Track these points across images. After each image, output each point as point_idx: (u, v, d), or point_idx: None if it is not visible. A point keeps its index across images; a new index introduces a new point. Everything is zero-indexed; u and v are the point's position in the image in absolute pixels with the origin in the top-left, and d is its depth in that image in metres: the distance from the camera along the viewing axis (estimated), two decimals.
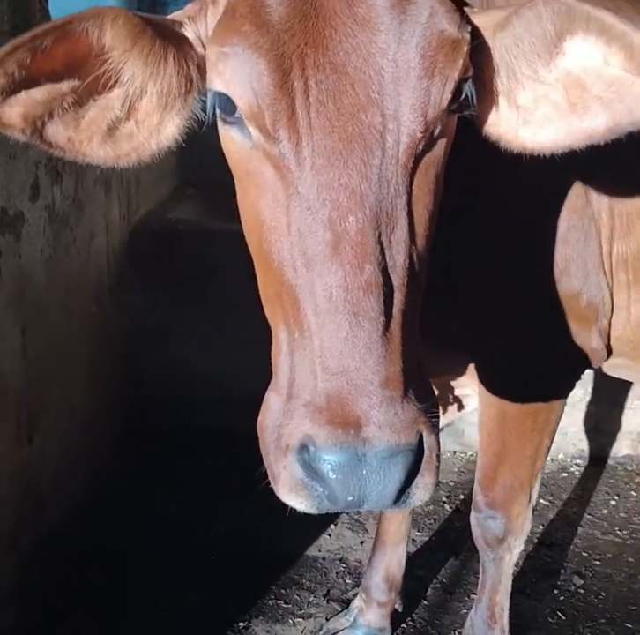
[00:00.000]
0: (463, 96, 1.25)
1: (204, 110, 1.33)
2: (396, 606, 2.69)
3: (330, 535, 3.27)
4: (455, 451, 3.89)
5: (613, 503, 3.52)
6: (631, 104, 1.24)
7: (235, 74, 1.18)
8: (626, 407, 3.80)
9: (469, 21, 1.27)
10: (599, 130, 1.29)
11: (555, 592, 2.95)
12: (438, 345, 2.02)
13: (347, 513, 3.40)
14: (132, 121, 1.31)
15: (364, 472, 1.05)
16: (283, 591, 2.94)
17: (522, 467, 2.19)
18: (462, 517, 3.43)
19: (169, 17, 1.35)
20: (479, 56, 1.28)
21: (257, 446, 1.20)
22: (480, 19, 1.29)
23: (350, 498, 1.08)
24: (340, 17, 1.16)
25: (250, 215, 1.28)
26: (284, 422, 1.14)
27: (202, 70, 1.31)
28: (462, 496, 3.58)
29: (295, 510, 1.14)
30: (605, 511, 3.46)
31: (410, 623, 2.78)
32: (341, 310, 1.11)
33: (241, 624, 2.76)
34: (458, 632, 2.72)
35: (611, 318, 2.03)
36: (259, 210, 1.23)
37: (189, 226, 3.98)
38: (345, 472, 1.05)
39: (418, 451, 1.09)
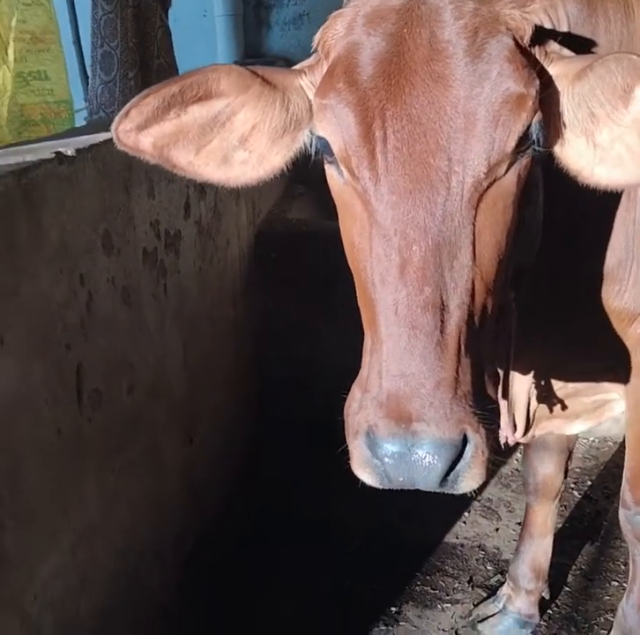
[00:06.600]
0: (531, 140, 1.40)
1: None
2: (542, 594, 2.83)
3: (465, 523, 3.42)
4: (578, 437, 3.96)
5: None
6: None
7: (330, 124, 1.39)
8: None
9: (544, 72, 1.43)
10: None
11: None
12: (586, 358, 2.13)
13: (478, 501, 3.55)
14: (246, 151, 1.55)
15: (412, 459, 1.26)
16: (428, 577, 3.10)
17: None
18: (592, 504, 3.54)
19: (296, 67, 1.59)
20: (554, 101, 1.44)
21: None
22: (558, 69, 1.46)
23: (401, 479, 1.29)
24: (419, 74, 1.34)
25: (346, 238, 1.50)
26: (358, 412, 1.35)
27: (312, 112, 1.52)
28: (589, 483, 3.68)
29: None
30: None
31: (555, 609, 2.91)
32: (403, 323, 1.30)
33: (393, 609, 2.94)
34: (603, 618, 2.84)
35: None
36: (352, 235, 1.45)
37: (310, 227, 4.13)
38: (396, 458, 1.27)
39: (463, 447, 1.27)
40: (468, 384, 1.31)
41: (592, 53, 1.72)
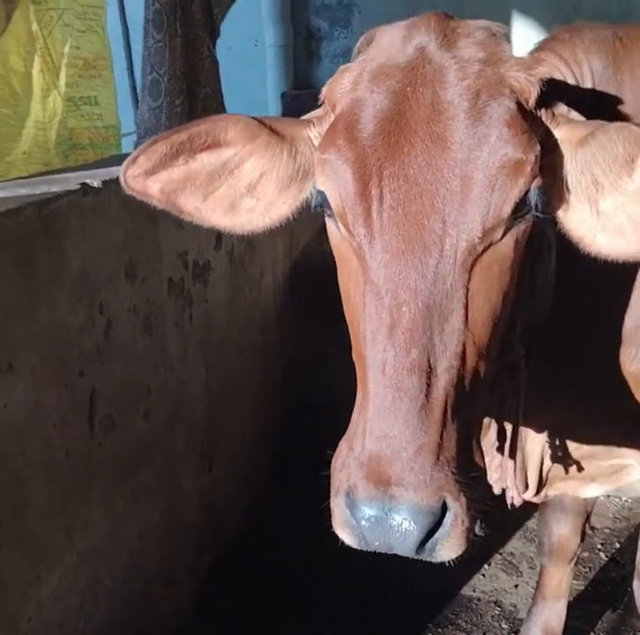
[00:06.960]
0: (529, 206, 1.37)
1: None
2: None
3: (483, 576, 3.32)
4: (609, 496, 3.83)
5: None
6: None
7: (329, 179, 1.39)
8: None
9: (550, 134, 1.42)
10: None
11: None
12: (598, 420, 2.07)
13: (500, 554, 3.45)
14: (254, 198, 1.54)
15: (388, 524, 1.23)
16: (440, 629, 3.02)
17: None
18: (618, 567, 3.40)
19: (304, 116, 1.58)
20: (559, 165, 1.42)
21: None
22: (564, 132, 1.43)
23: (377, 543, 1.26)
24: (419, 134, 1.33)
25: (343, 291, 1.49)
26: (342, 469, 1.32)
27: None
28: (617, 545, 3.54)
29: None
30: None
31: None
32: (389, 384, 1.27)
33: None
34: None
35: None
36: (348, 289, 1.44)
37: None
38: (372, 521, 1.24)
39: (442, 514, 1.23)
40: (452, 450, 1.28)
41: (619, 110, 1.69)
